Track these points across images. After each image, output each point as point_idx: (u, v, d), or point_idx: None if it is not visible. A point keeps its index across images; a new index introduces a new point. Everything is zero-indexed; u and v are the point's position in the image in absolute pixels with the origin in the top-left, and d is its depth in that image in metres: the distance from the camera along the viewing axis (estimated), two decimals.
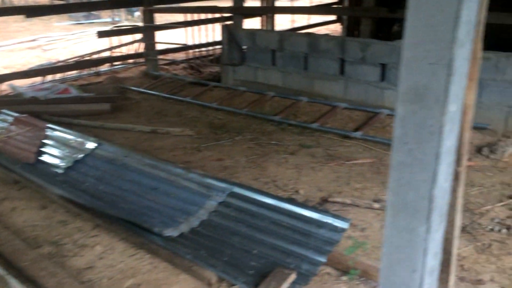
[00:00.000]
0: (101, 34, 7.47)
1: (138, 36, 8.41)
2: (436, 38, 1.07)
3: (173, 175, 3.73)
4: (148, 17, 7.76)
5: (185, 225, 3.20)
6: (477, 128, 4.59)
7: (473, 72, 1.26)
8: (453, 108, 1.14)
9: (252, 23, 10.63)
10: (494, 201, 3.49)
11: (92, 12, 17.22)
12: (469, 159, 4.20)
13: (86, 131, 5.15)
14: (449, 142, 1.19)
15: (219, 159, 4.50)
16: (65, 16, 16.87)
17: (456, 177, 1.43)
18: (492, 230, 3.12)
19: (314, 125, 5.18)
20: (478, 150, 4.34)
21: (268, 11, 8.27)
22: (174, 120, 5.79)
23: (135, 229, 3.14)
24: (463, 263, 2.79)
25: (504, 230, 3.09)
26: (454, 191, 1.44)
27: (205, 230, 3.15)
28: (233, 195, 3.40)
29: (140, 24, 8.21)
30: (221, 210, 3.31)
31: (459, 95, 1.17)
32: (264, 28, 9.23)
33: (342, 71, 5.63)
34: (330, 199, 3.58)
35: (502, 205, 3.43)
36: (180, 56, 8.89)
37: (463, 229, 3.14)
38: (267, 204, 3.23)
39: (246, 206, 3.28)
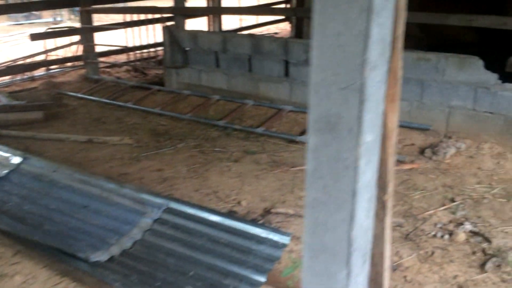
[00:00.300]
0: (34, 37, 7.00)
1: (77, 37, 7.97)
2: (345, 60, 0.91)
3: (105, 191, 3.47)
4: (85, 17, 7.36)
5: (116, 247, 2.96)
6: (419, 129, 4.59)
7: (394, 93, 1.12)
8: (370, 137, 1.00)
9: (198, 23, 10.38)
10: (436, 205, 3.46)
11: (33, 12, 16.35)
12: (412, 161, 4.18)
13: (15, 142, 4.78)
14: (367, 176, 1.04)
15: (159, 169, 4.27)
16: (3, 16, 15.92)
17: (382, 206, 1.29)
18: (435, 236, 3.08)
19: (260, 130, 5.03)
20: (421, 151, 4.32)
21: (209, 11, 8.05)
22: (113, 127, 5.48)
23: (60, 254, 2.88)
24: (406, 274, 2.71)
25: (446, 236, 3.05)
26: (381, 220, 1.31)
27: (138, 251, 2.93)
28: (169, 211, 3.19)
29: (78, 25, 7.78)
30: (156, 228, 3.09)
31: (376, 123, 1.02)
32: (211, 28, 9.01)
33: (286, 73, 5.51)
34: (273, 210, 3.44)
35: (445, 209, 3.40)
36: (123, 58, 8.51)
37: (406, 237, 3.09)
38: (205, 219, 3.04)
39: (183, 223, 3.08)
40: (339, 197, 1.02)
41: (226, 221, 2.99)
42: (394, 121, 1.18)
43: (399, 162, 4.16)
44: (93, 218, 3.26)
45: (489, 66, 4.25)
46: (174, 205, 3.21)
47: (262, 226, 2.97)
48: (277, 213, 3.41)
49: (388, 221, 1.33)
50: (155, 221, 3.14)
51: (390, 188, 1.29)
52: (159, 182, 3.98)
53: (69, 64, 8.00)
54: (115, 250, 2.93)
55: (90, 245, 2.98)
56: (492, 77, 4.20)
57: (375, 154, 1.05)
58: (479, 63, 4.22)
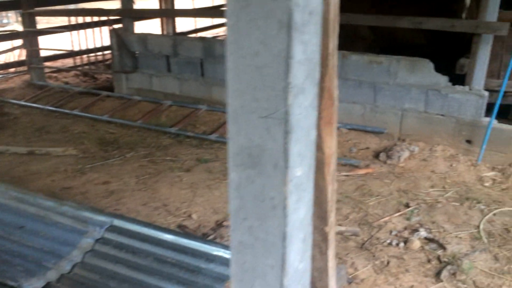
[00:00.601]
0: None
1: (20, 41, 7.53)
2: (265, 84, 0.77)
3: (43, 209, 3.21)
4: (28, 20, 6.96)
5: (54, 271, 2.73)
6: (374, 132, 4.55)
7: (330, 114, 0.99)
8: (300, 171, 0.86)
9: (151, 26, 10.08)
10: (391, 211, 3.41)
11: None
12: (367, 166, 4.12)
13: None
14: (299, 215, 0.90)
15: (106, 181, 4.03)
16: None
17: (324, 238, 1.16)
18: (390, 244, 3.01)
19: (213, 136, 4.87)
20: (376, 155, 4.28)
21: (158, 14, 7.80)
22: (58, 137, 5.17)
23: None
24: (361, 287, 2.62)
25: (401, 244, 2.99)
26: (323, 253, 1.18)
27: (77, 276, 2.71)
28: (113, 229, 2.98)
29: (20, 28, 7.36)
30: (98, 248, 2.88)
31: (307, 154, 0.88)
32: (165, 30, 8.75)
33: None
34: (225, 223, 3.29)
35: (400, 215, 3.35)
36: (71, 62, 8.11)
37: (362, 246, 3.01)
38: (151, 237, 2.85)
39: (127, 242, 2.88)
40: (268, 240, 0.88)
41: (173, 239, 2.82)
42: (331, 145, 1.06)
43: (354, 167, 4.10)
44: (29, 240, 3.00)
45: (440, 69, 4.26)
46: (118, 223, 3.00)
47: (212, 242, 2.82)
48: (229, 226, 3.25)
49: (332, 253, 1.21)
50: (97, 241, 2.92)
51: (332, 218, 1.16)
52: (104, 196, 3.74)
53: (12, 69, 7.55)
54: (52, 275, 2.70)
55: (25, 271, 2.74)
56: (442, 80, 4.20)
57: (307, 189, 0.91)
58: (430, 65, 4.22)
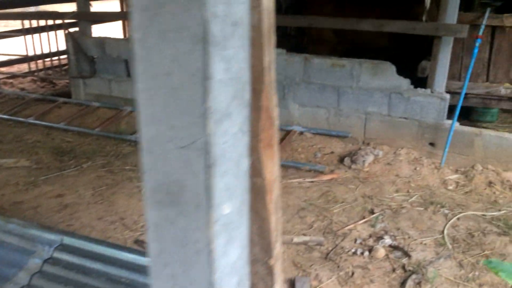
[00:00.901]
0: None
1: None
2: (181, 109, 0.65)
3: None
4: None
5: None
6: (339, 136, 4.49)
7: (270, 136, 0.88)
8: (227, 209, 0.74)
9: (114, 29, 9.80)
10: (356, 218, 3.34)
11: None
12: (332, 171, 4.05)
13: None
14: (231, 258, 0.78)
15: (60, 194, 3.81)
16: None
17: (269, 271, 1.05)
18: (355, 253, 2.94)
19: None
20: (341, 160, 4.22)
21: (117, 16, 7.55)
22: (10, 147, 4.89)
23: None
24: None
25: (366, 253, 2.92)
26: None
27: None
28: (63, 248, 2.79)
29: None
30: (47, 269, 2.68)
31: (239, 186, 0.76)
32: (127, 34, 8.49)
33: None
34: None
35: (364, 222, 3.28)
36: (27, 67, 7.77)
37: (326, 256, 2.92)
38: (104, 256, 2.68)
39: (78, 262, 2.70)
40: None
41: (128, 257, 2.66)
42: (273, 170, 0.94)
43: (319, 172, 4.02)
44: None
45: (402, 71, 4.23)
46: (69, 241, 2.81)
47: None
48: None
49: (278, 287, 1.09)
50: (46, 261, 2.72)
51: (278, 249, 1.05)
52: (57, 211, 3.53)
53: None
54: None
55: None
56: (404, 83, 4.18)
57: (240, 227, 0.79)
58: (392, 68, 4.19)
